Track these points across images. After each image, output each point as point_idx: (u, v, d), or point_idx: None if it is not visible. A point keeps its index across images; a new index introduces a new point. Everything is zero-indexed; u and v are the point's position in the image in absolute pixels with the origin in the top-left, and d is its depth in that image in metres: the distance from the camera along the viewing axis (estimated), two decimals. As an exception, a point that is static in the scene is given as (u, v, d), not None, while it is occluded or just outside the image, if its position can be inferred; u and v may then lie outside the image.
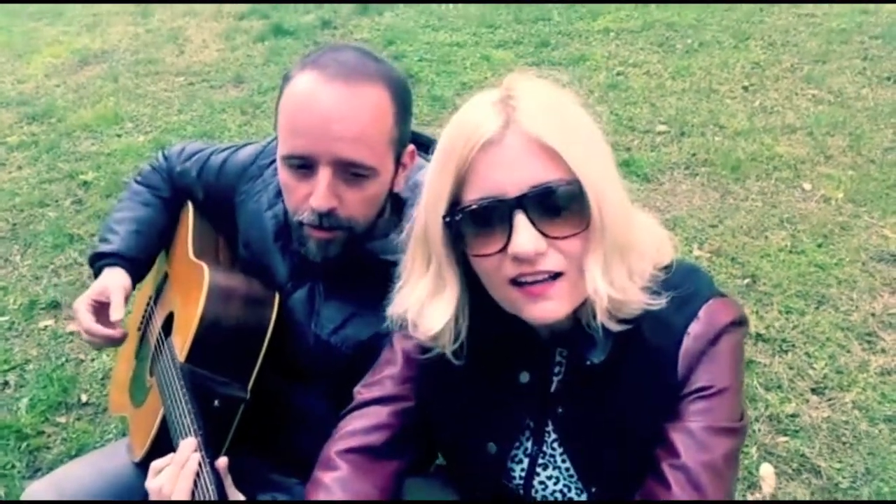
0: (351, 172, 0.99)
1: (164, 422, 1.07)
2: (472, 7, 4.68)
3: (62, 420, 2.00)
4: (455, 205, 0.76)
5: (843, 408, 1.85)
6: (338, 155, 0.97)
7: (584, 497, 0.88)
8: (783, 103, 3.30)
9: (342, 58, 1.00)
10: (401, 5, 4.87)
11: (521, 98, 0.75)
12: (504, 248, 0.74)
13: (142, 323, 1.40)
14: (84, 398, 2.07)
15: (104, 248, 1.29)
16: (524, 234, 0.72)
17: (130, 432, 1.26)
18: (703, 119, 3.21)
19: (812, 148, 2.95)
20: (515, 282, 0.75)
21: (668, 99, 3.41)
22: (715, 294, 0.83)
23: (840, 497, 1.65)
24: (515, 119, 0.73)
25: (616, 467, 0.84)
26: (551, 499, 0.90)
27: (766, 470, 1.71)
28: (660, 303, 0.78)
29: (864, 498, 1.65)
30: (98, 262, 1.29)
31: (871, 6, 4.09)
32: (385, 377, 0.95)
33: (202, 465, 0.88)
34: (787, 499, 1.66)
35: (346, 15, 4.83)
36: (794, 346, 2.04)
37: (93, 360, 2.20)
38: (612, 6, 4.44)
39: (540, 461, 0.90)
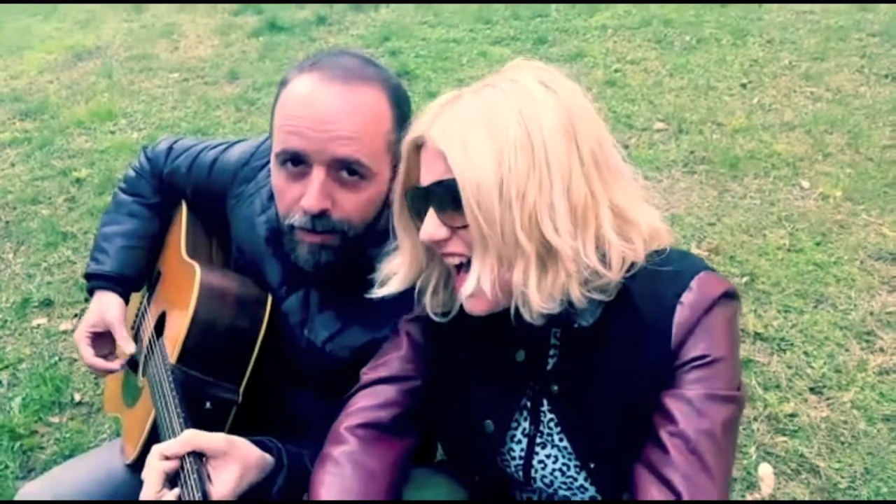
0: (347, 172, 0.97)
1: (155, 424, 1.05)
2: (469, 3, 4.66)
3: (55, 420, 1.98)
4: (406, 187, 0.89)
5: (842, 407, 1.85)
6: (333, 153, 0.95)
7: (582, 474, 0.89)
8: (781, 101, 3.29)
9: (342, 62, 1.00)
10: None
11: (457, 103, 0.82)
12: None
13: (135, 322, 1.38)
14: (77, 397, 2.05)
15: (95, 268, 1.28)
16: (427, 222, 0.83)
17: (123, 433, 1.25)
18: (701, 116, 3.20)
19: (810, 146, 2.94)
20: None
21: (665, 96, 3.40)
22: (706, 268, 0.85)
23: (839, 497, 1.65)
24: (435, 122, 0.82)
25: (613, 443, 0.85)
26: (551, 478, 0.92)
27: (765, 470, 1.71)
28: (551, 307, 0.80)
29: (863, 498, 1.64)
30: (90, 281, 1.28)
31: (870, 3, 4.09)
32: (391, 359, 0.98)
33: (190, 468, 0.86)
34: (786, 499, 1.66)
35: (341, 11, 4.80)
36: (792, 345, 2.03)
37: (86, 359, 2.19)
38: (611, 2, 4.43)
39: (538, 440, 0.91)
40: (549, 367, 0.89)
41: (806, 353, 2.00)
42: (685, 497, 0.76)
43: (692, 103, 3.32)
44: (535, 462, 0.92)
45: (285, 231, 1.04)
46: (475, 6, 4.58)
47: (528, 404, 0.91)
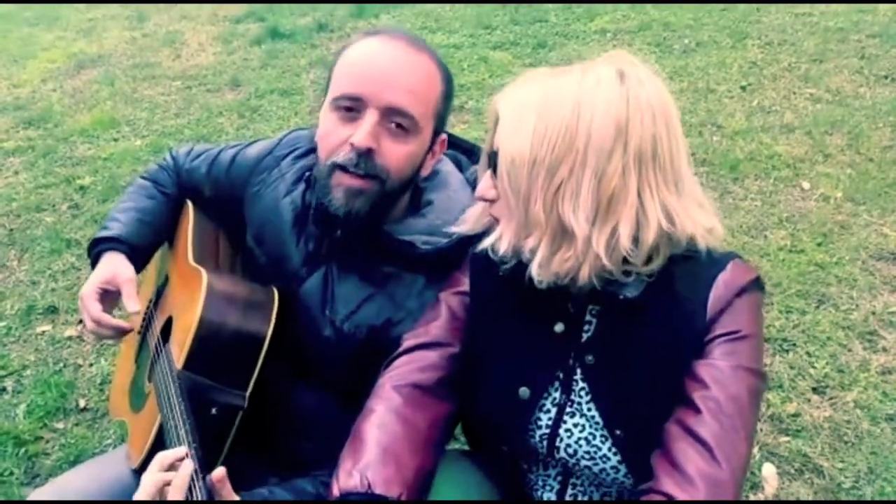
0: (396, 123, 1.02)
1: (161, 430, 1.06)
2: (469, 9, 4.68)
3: (60, 426, 1.99)
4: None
5: (845, 407, 1.85)
6: (389, 100, 1.01)
7: (607, 444, 0.93)
8: (781, 102, 3.29)
9: (402, 33, 1.08)
10: (397, 7, 4.87)
11: (530, 81, 0.88)
12: None
13: (142, 326, 1.39)
14: (82, 403, 2.06)
15: (104, 233, 1.28)
16: (483, 181, 0.93)
17: (129, 438, 1.25)
18: (701, 119, 3.21)
19: (810, 147, 2.94)
20: None
21: (665, 99, 3.40)
22: (740, 257, 0.94)
23: (843, 497, 1.65)
24: (506, 97, 0.89)
25: (641, 410, 0.90)
26: (575, 447, 0.95)
27: (769, 470, 1.71)
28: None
29: (867, 497, 1.64)
30: (97, 247, 1.27)
31: (868, 5, 4.10)
32: (431, 326, 1.02)
33: (195, 479, 0.87)
34: (789, 499, 1.66)
35: (342, 18, 4.83)
36: (794, 345, 2.04)
37: (91, 364, 2.19)
38: (609, 7, 4.44)
39: (567, 410, 0.96)
40: (584, 339, 0.94)
41: (808, 354, 2.00)
42: (715, 450, 0.81)
43: (692, 106, 3.33)
44: (561, 431, 0.96)
45: (322, 176, 1.06)
46: (474, 12, 4.60)
47: (561, 375, 0.96)
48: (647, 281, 0.89)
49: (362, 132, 1.00)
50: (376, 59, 1.03)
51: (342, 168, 1.02)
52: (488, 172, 0.92)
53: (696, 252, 0.89)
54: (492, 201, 0.91)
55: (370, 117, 1.01)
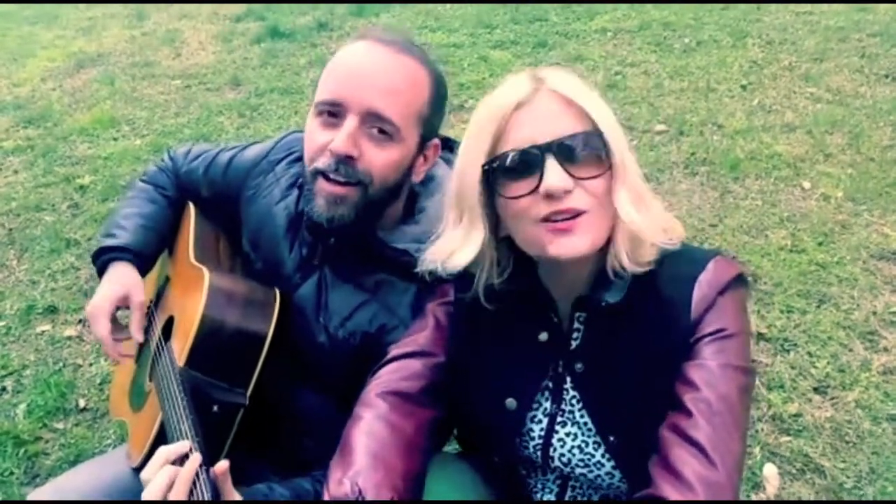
0: (376, 128, 1.01)
1: (162, 427, 1.06)
2: (470, 7, 4.68)
3: (60, 426, 1.99)
4: (492, 158, 0.88)
5: (846, 407, 1.85)
6: (368, 105, 1.00)
7: (601, 450, 0.93)
8: (782, 102, 3.29)
9: (398, 35, 1.07)
10: (397, 6, 4.87)
11: (548, 72, 0.89)
12: (536, 189, 0.84)
13: (143, 326, 1.38)
14: (82, 403, 2.05)
15: (111, 242, 1.27)
16: (553, 174, 0.82)
17: (129, 437, 1.25)
18: (701, 118, 3.21)
19: (811, 146, 2.94)
20: (546, 220, 0.85)
21: (666, 98, 3.40)
22: (721, 254, 0.93)
23: (845, 497, 1.65)
24: (545, 84, 0.86)
25: (634, 415, 0.90)
26: (569, 456, 0.96)
27: (770, 470, 1.71)
28: (674, 243, 0.89)
29: (869, 498, 1.64)
30: (103, 256, 1.27)
31: (869, 4, 4.09)
32: (418, 337, 1.02)
33: (199, 473, 0.87)
34: (791, 499, 1.65)
35: (342, 16, 4.83)
36: (795, 345, 2.03)
37: (91, 364, 2.19)
38: (609, 6, 4.44)
39: (559, 419, 0.96)
40: (572, 347, 0.94)
41: (809, 354, 2.00)
42: (710, 452, 0.81)
43: (692, 105, 3.32)
44: (554, 441, 0.96)
45: (307, 181, 1.06)
46: (475, 11, 4.60)
47: (551, 385, 0.95)
48: (629, 284, 0.89)
49: (340, 138, 0.99)
50: (357, 64, 1.02)
51: (323, 175, 1.02)
52: (552, 164, 0.83)
53: (677, 251, 0.90)
54: (567, 193, 0.84)
55: (349, 123, 1.00)
